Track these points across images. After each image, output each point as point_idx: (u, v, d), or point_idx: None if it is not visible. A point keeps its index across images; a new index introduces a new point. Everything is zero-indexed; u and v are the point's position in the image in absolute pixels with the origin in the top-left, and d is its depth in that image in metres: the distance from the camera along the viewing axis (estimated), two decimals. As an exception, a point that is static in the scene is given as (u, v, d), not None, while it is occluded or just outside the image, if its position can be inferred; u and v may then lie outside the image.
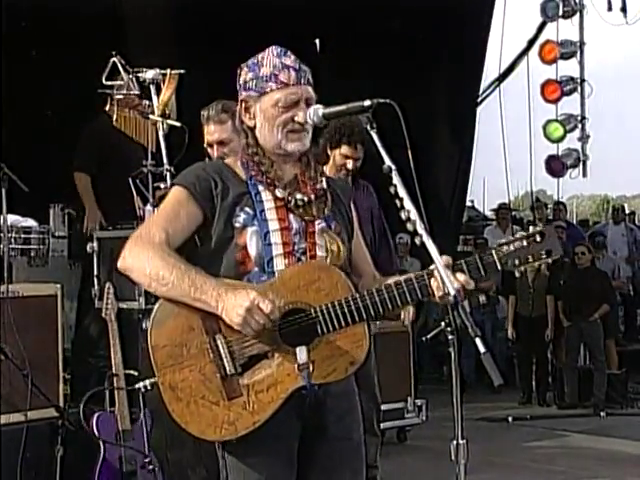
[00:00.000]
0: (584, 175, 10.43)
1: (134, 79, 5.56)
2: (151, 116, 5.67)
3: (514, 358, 9.35)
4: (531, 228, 2.39)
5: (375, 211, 4.89)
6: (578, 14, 10.28)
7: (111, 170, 5.91)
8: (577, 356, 8.78)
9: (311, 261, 2.45)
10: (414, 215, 2.28)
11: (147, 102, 5.76)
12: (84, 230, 5.74)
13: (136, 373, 4.61)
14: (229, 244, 2.44)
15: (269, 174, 2.49)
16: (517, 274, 2.50)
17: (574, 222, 15.00)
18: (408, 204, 2.30)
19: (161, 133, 5.61)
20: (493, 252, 2.36)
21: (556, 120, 10.27)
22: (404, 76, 9.36)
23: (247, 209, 2.45)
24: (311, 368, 2.35)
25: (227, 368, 2.36)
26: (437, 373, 9.77)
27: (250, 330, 2.31)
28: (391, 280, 2.44)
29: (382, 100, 2.39)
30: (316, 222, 2.50)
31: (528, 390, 8.83)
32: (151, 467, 4.40)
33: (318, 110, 2.51)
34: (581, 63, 10.35)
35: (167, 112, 5.62)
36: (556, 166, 10.35)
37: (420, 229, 2.28)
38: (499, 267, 2.38)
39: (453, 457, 2.31)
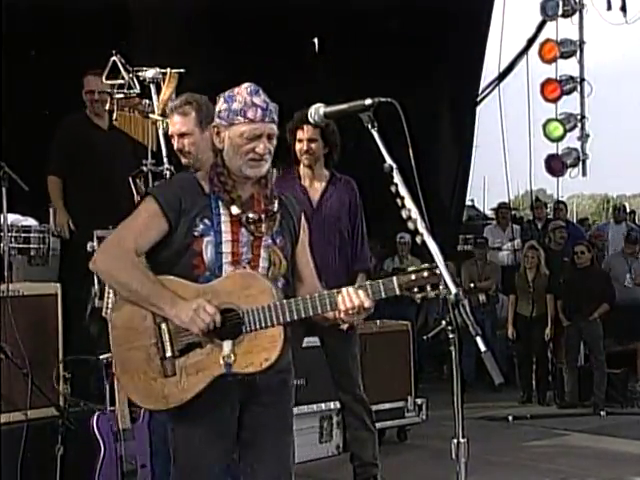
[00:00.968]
0: (584, 174, 10.43)
1: (134, 78, 5.56)
2: (151, 115, 5.67)
3: (514, 357, 9.34)
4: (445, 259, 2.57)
5: (352, 207, 4.93)
6: (578, 13, 10.27)
7: (85, 171, 5.93)
8: (577, 355, 8.77)
9: (245, 271, 2.87)
10: (415, 214, 2.29)
11: (147, 101, 5.75)
12: (54, 233, 5.76)
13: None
14: (187, 249, 2.86)
15: (229, 192, 2.91)
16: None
17: (574, 221, 15.00)
18: (409, 203, 2.30)
19: (161, 132, 5.61)
20: (394, 279, 2.68)
21: (556, 119, 10.27)
22: (403, 76, 9.35)
23: (206, 221, 2.88)
24: (233, 359, 2.78)
25: (166, 351, 2.82)
26: (437, 372, 9.77)
27: (196, 328, 2.76)
28: (322, 291, 2.86)
29: (383, 99, 2.40)
30: (263, 238, 2.92)
31: (528, 389, 8.83)
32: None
33: (319, 109, 2.53)
34: (581, 62, 10.34)
35: (167, 111, 5.62)
36: (556, 165, 10.34)
37: (421, 228, 2.29)
38: (398, 293, 2.68)
39: (454, 456, 2.31)
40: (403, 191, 2.30)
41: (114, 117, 5.61)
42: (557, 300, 8.67)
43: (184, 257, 2.86)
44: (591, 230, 12.33)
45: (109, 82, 5.63)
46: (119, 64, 5.55)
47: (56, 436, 4.46)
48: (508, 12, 10.45)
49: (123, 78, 5.59)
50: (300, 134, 4.80)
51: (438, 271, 2.53)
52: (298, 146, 4.83)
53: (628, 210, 13.18)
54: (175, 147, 4.09)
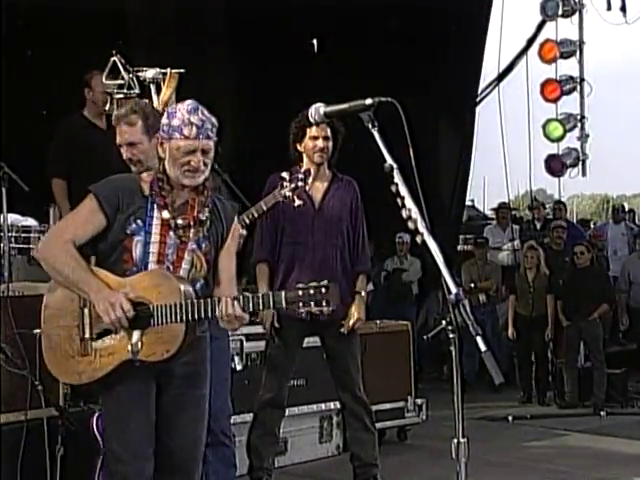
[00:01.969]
0: (584, 174, 10.43)
1: (134, 78, 5.56)
2: (151, 115, 5.66)
3: (514, 357, 9.34)
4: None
5: (354, 207, 4.92)
6: (578, 13, 10.27)
7: (86, 171, 5.90)
8: (577, 355, 8.77)
9: (160, 270, 3.19)
10: (415, 214, 2.28)
11: (147, 101, 5.75)
12: None
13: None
14: (119, 245, 3.21)
15: (164, 198, 3.23)
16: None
17: (574, 221, 15.00)
18: (409, 203, 2.30)
19: (161, 132, 5.61)
20: (282, 294, 3.00)
21: (556, 119, 10.27)
22: (403, 75, 9.35)
23: (139, 221, 3.21)
24: (139, 347, 3.12)
25: (85, 333, 3.21)
26: (437, 372, 9.77)
27: (107, 318, 3.12)
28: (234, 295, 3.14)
29: (384, 98, 2.39)
30: (189, 243, 3.24)
31: (528, 389, 8.83)
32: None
33: (319, 109, 2.53)
34: (581, 62, 10.34)
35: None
36: (556, 165, 10.34)
37: (421, 228, 2.28)
38: (284, 306, 3.01)
39: (454, 456, 2.31)
40: (403, 191, 2.30)
41: (113, 117, 5.60)
42: (557, 300, 8.67)
43: (116, 252, 3.21)
44: (590, 230, 12.32)
45: (109, 82, 5.63)
46: (119, 64, 5.55)
47: (56, 436, 4.46)
48: (507, 12, 10.46)
49: (123, 78, 5.59)
50: (315, 131, 4.74)
51: (324, 290, 2.90)
52: (311, 144, 4.77)
53: (627, 210, 13.16)
54: (124, 157, 4.05)
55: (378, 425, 5.43)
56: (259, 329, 4.96)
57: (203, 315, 3.08)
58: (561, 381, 8.65)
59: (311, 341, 5.15)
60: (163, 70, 5.64)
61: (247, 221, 4.10)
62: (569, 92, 10.28)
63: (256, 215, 4.11)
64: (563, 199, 12.62)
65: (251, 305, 3.04)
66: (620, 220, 11.58)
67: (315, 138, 4.76)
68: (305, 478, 5.77)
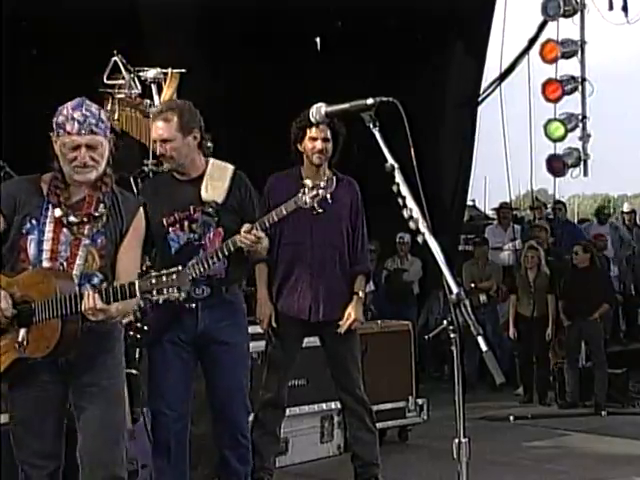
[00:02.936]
0: (585, 174, 10.40)
1: (135, 78, 5.56)
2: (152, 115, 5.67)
3: (515, 357, 9.34)
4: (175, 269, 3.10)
5: (354, 208, 4.90)
6: (579, 13, 10.24)
7: None
8: (577, 355, 8.76)
9: (42, 268, 3.27)
10: (416, 214, 2.28)
11: (148, 101, 5.75)
12: None
13: (136, 372, 4.60)
14: (17, 245, 3.31)
15: (58, 195, 3.32)
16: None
17: (575, 221, 14.98)
18: (410, 202, 2.30)
19: (162, 132, 5.60)
20: (136, 283, 3.07)
21: (557, 119, 10.24)
22: (404, 75, 9.35)
23: (33, 221, 3.30)
24: (25, 345, 3.21)
25: None
26: (438, 372, 9.77)
27: None
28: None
29: (385, 98, 2.39)
30: (83, 239, 3.31)
31: (529, 389, 8.82)
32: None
33: (320, 108, 2.52)
34: (582, 62, 10.31)
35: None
36: (557, 165, 10.32)
37: (422, 228, 2.28)
38: (138, 294, 3.09)
39: (455, 455, 2.31)
40: (404, 191, 2.30)
41: (115, 117, 5.61)
42: (558, 300, 8.67)
43: (15, 251, 3.32)
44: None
45: (110, 82, 5.63)
46: (120, 64, 5.56)
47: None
48: (509, 12, 10.43)
49: (124, 78, 5.59)
50: (314, 133, 4.73)
51: (174, 276, 2.98)
52: (310, 145, 4.76)
53: (628, 209, 13.14)
54: (157, 152, 4.15)
55: (379, 425, 5.42)
56: (259, 329, 4.96)
57: (72, 309, 3.14)
58: (562, 381, 8.64)
59: (311, 341, 5.15)
60: (164, 70, 5.64)
61: (267, 225, 4.04)
62: (570, 92, 10.26)
63: (276, 219, 4.05)
64: (564, 199, 12.60)
65: (111, 297, 3.11)
66: (604, 221, 11.61)
67: (314, 139, 4.75)
68: (306, 478, 5.77)
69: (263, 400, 4.87)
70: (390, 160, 2.33)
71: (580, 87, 10.30)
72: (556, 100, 10.25)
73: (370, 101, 2.39)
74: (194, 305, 4.12)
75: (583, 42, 10.31)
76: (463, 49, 10.38)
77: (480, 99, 11.30)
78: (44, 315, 3.20)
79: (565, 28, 10.26)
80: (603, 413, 8.01)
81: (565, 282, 8.74)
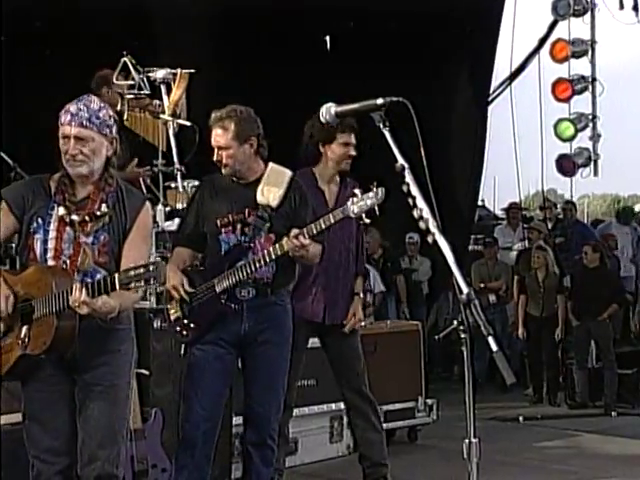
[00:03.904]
0: (595, 174, 10.38)
1: (145, 79, 5.56)
2: (162, 115, 5.68)
3: (525, 358, 9.32)
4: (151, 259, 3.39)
5: None
6: (589, 12, 10.22)
7: None
8: (587, 356, 8.73)
9: (41, 265, 3.34)
10: (427, 214, 2.28)
11: (158, 102, 5.76)
12: None
13: (147, 372, 4.62)
14: (26, 244, 3.40)
15: (64, 194, 3.39)
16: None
17: (585, 221, 14.93)
18: (421, 202, 2.29)
19: (171, 132, 5.62)
20: (116, 275, 3.12)
21: (567, 119, 10.22)
22: (414, 75, 9.33)
23: (39, 220, 3.37)
24: (27, 342, 3.26)
25: None
26: (448, 372, 9.75)
27: None
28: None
29: (395, 98, 2.38)
30: (84, 237, 3.36)
31: (539, 390, 8.80)
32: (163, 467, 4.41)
33: (330, 108, 2.52)
34: (592, 62, 10.29)
35: (177, 111, 5.63)
36: (567, 165, 10.30)
37: (432, 228, 2.28)
38: (118, 287, 3.11)
39: (465, 456, 2.30)
40: (415, 191, 2.29)
41: (125, 118, 5.62)
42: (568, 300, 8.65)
43: (25, 250, 3.41)
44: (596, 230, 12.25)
45: (120, 82, 5.63)
46: (129, 65, 5.56)
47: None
48: (519, 11, 10.41)
49: (133, 79, 5.60)
50: (347, 138, 4.72)
51: (151, 267, 3.02)
52: (342, 150, 4.74)
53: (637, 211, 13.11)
54: (214, 158, 4.17)
55: (389, 425, 5.42)
56: None
57: (65, 305, 3.18)
58: (572, 381, 8.62)
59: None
60: (173, 70, 5.65)
61: (315, 232, 4.02)
62: (581, 92, 10.24)
63: (324, 227, 4.02)
64: (574, 199, 12.54)
65: (95, 290, 3.15)
66: (628, 222, 11.54)
67: (347, 145, 4.74)
68: (315, 478, 5.77)
69: None
70: (400, 160, 2.32)
71: (590, 87, 10.27)
72: (566, 100, 10.23)
73: (380, 101, 2.39)
74: (239, 306, 4.12)
75: (593, 41, 10.28)
76: (473, 49, 10.35)
77: (490, 99, 11.27)
78: (42, 312, 3.25)
79: (575, 27, 10.25)
80: (613, 414, 7.98)
81: (574, 282, 8.71)
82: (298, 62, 8.99)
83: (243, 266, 4.06)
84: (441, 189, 2.36)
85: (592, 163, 10.29)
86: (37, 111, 7.37)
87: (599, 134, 10.32)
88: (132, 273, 3.08)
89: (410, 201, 2.29)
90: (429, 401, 6.69)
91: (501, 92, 11.26)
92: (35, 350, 3.27)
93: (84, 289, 3.16)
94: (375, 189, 3.89)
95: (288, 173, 4.27)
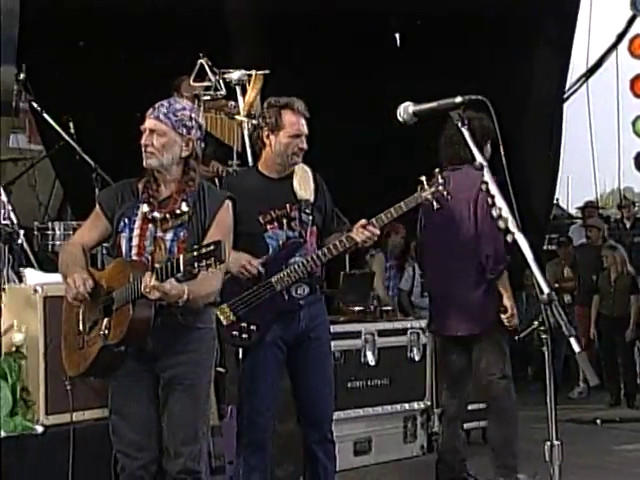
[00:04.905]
0: (674, 172, 10.16)
1: (220, 80, 5.63)
2: (237, 117, 5.75)
3: (601, 359, 9.14)
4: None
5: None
6: (669, 7, 10.00)
7: None
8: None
9: (122, 259, 3.49)
10: (506, 212, 2.25)
11: (233, 103, 5.83)
12: None
13: (223, 370, 4.67)
14: (115, 243, 3.56)
15: (149, 192, 3.52)
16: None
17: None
18: (499, 201, 2.27)
19: (246, 133, 5.68)
20: (180, 257, 3.18)
21: (646, 116, 10.03)
22: (489, 73, 9.24)
23: (125, 219, 3.52)
24: (107, 333, 3.36)
25: (80, 327, 3.51)
26: (522, 373, 9.62)
27: (70, 294, 3.45)
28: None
29: (474, 97, 2.37)
30: (166, 234, 3.48)
31: (616, 392, 8.62)
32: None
33: (408, 108, 2.51)
34: (672, 57, 10.07)
35: (252, 112, 5.69)
36: (646, 163, 10.10)
37: (512, 227, 2.25)
38: (182, 269, 3.15)
39: (547, 458, 2.28)
40: (493, 189, 2.27)
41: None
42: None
43: (114, 249, 3.57)
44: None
45: (196, 84, 5.71)
46: (206, 67, 5.64)
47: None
48: (596, 7, 10.24)
49: (210, 80, 5.67)
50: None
51: (213, 247, 3.06)
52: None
53: None
54: (300, 147, 4.13)
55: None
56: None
57: (139, 293, 3.26)
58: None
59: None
60: (248, 72, 5.70)
61: (385, 221, 4.00)
62: (660, 88, 10.03)
63: (395, 215, 4.01)
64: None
65: (163, 274, 3.22)
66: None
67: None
68: (389, 478, 5.76)
69: None
70: (479, 159, 2.31)
71: (670, 82, 10.05)
72: (645, 96, 10.02)
73: (458, 99, 2.37)
74: (297, 305, 4.11)
75: (673, 37, 10.06)
76: (548, 45, 10.19)
77: (566, 96, 11.10)
78: (120, 303, 3.35)
79: (655, 23, 10.03)
80: (694, 417, 7.79)
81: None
82: (368, 61, 8.97)
83: (302, 262, 4.01)
84: (516, 188, 2.34)
85: (671, 160, 10.06)
86: (120, 115, 7.54)
87: (679, 131, 10.09)
88: (195, 254, 3.13)
89: (489, 200, 2.27)
90: (504, 402, 6.60)
91: (578, 89, 11.09)
92: (114, 340, 3.35)
93: (153, 274, 3.25)
94: (439, 175, 3.88)
95: (309, 168, 4.24)
